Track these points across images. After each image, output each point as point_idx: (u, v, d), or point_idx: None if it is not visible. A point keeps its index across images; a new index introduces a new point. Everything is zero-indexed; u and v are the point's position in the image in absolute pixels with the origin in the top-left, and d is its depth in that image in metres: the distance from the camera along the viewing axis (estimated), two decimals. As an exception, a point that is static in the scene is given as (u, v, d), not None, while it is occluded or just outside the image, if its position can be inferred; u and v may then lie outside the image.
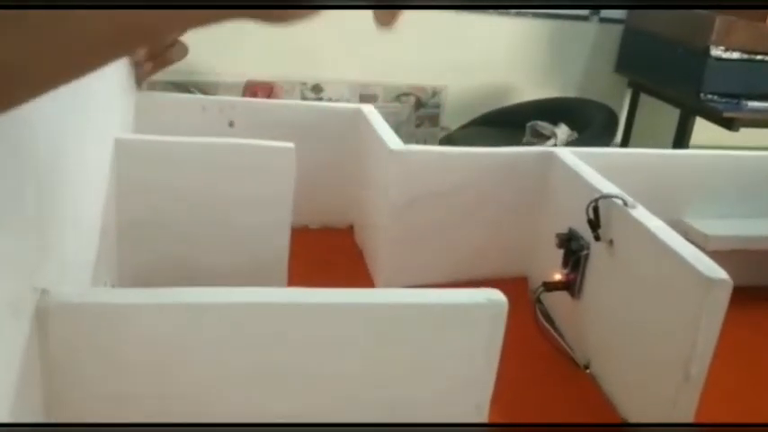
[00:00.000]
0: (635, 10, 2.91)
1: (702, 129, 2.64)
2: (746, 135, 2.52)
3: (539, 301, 0.88)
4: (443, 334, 0.54)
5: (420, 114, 2.89)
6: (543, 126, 2.69)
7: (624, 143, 3.02)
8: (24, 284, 0.46)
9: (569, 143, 2.60)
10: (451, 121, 2.90)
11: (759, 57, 2.53)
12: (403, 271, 0.94)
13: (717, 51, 2.48)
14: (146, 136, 0.83)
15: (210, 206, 0.83)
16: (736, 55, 2.51)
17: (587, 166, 0.87)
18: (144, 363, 0.51)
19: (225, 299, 0.51)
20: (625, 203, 0.76)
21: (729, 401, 0.80)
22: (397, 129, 2.73)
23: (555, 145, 2.62)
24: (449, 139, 2.72)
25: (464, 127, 2.82)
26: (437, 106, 2.93)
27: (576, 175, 0.86)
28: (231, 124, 1.02)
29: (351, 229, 1.10)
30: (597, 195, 0.78)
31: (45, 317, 0.49)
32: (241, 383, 0.53)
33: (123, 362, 0.51)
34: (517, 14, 2.89)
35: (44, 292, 0.49)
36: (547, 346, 0.86)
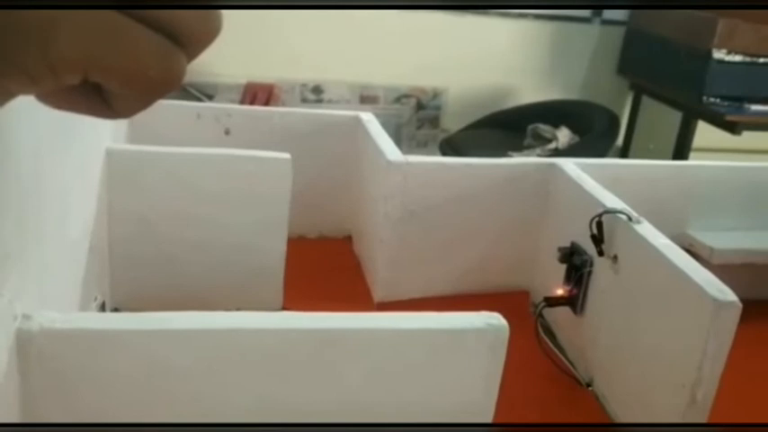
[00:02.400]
0: (637, 11, 2.89)
1: (704, 132, 2.62)
2: (749, 138, 2.50)
3: (540, 315, 0.86)
4: (440, 361, 0.52)
5: (420, 116, 2.86)
6: (544, 129, 2.67)
7: (626, 146, 3.00)
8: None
9: (571, 146, 2.58)
10: (452, 123, 2.88)
11: (762, 59, 2.50)
12: (401, 284, 0.92)
13: (719, 54, 2.46)
14: (137, 146, 0.81)
15: (205, 218, 0.81)
16: (738, 58, 2.48)
17: (590, 179, 0.85)
18: (129, 389, 0.49)
19: (214, 325, 0.49)
20: (630, 219, 0.74)
21: (733, 419, 0.78)
22: (398, 131, 2.71)
23: (556, 148, 2.60)
24: (449, 142, 2.69)
25: (465, 129, 2.80)
26: (438, 108, 2.90)
27: (579, 188, 0.84)
28: (227, 132, 1.00)
29: (348, 239, 1.08)
30: (601, 209, 0.76)
31: (28, 342, 0.47)
32: (229, 411, 0.51)
33: (107, 388, 0.49)
34: (518, 16, 2.87)
35: (25, 316, 0.47)
36: (548, 362, 0.84)
